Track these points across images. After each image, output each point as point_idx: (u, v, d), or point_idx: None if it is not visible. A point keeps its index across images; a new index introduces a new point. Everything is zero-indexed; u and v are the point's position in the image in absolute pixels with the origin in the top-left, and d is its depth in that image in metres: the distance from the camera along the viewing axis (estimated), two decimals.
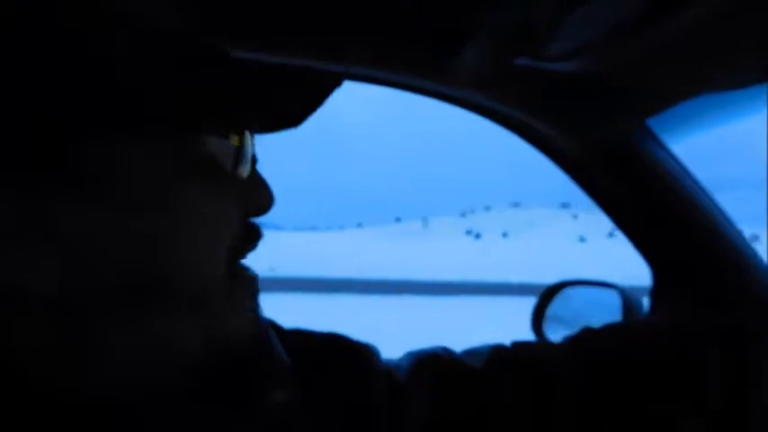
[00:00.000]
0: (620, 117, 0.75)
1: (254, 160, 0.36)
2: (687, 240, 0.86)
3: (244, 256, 0.35)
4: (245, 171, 0.35)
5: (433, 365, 0.50)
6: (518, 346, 0.53)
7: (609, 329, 0.51)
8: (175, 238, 0.30)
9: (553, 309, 1.14)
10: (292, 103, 0.34)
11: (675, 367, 0.46)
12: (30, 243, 0.28)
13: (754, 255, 0.87)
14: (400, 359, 0.52)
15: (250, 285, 0.36)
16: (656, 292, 0.94)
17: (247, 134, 0.35)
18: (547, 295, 1.15)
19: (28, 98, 0.27)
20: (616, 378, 0.47)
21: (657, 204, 0.83)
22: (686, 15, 0.56)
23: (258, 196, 0.36)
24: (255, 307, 0.36)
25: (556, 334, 1.12)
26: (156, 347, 0.30)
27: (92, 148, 0.28)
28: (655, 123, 0.79)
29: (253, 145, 0.36)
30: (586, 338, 0.51)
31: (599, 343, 0.50)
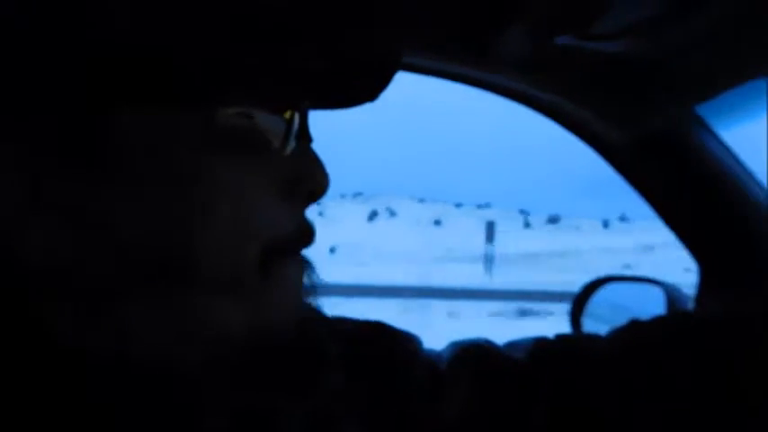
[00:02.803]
0: (668, 103, 0.72)
1: (307, 137, 0.34)
2: (736, 236, 0.83)
3: (294, 246, 0.33)
4: (290, 148, 0.32)
5: (475, 356, 0.49)
6: (562, 338, 0.52)
7: (657, 321, 0.50)
8: (205, 215, 0.29)
9: (593, 305, 1.11)
10: (345, 82, 0.32)
11: (729, 357, 0.44)
12: (47, 217, 0.27)
13: None
14: (442, 349, 0.52)
15: (296, 271, 0.34)
16: (702, 289, 0.90)
17: (297, 110, 0.33)
18: (587, 291, 1.13)
19: (47, 71, 0.26)
20: (666, 370, 0.45)
21: (706, 197, 0.80)
22: None
23: (312, 177, 0.33)
24: (300, 294, 0.35)
25: (595, 330, 1.09)
26: (185, 329, 0.29)
27: (117, 120, 0.27)
28: (705, 110, 0.75)
29: (306, 121, 0.34)
30: (634, 330, 0.49)
31: (647, 334, 0.48)
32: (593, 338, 0.52)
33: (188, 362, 0.30)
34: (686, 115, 0.74)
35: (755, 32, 0.60)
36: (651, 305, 0.99)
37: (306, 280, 0.35)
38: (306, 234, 0.34)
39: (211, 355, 0.30)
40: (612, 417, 0.45)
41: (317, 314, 0.43)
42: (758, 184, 0.80)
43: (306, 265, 0.35)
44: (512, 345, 0.52)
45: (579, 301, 1.13)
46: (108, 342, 0.29)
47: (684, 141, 0.76)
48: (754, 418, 0.43)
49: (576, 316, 1.13)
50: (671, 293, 0.97)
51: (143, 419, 0.29)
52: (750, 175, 0.80)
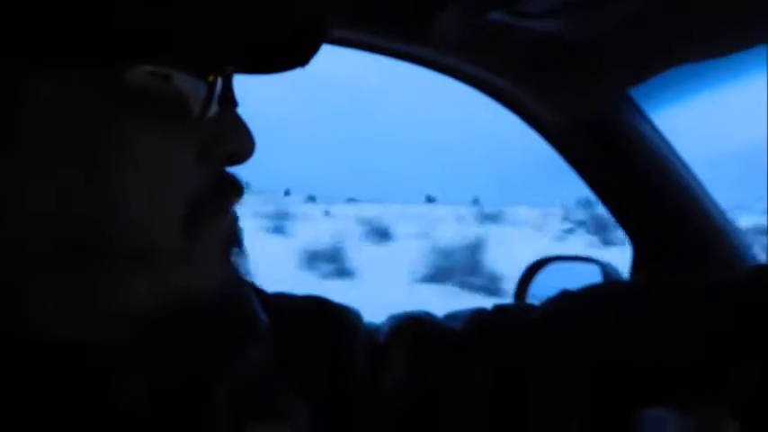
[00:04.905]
0: (602, 85, 0.75)
1: (232, 102, 0.33)
2: (667, 213, 0.87)
3: (219, 210, 0.33)
4: (212, 112, 0.31)
5: (413, 328, 0.50)
6: (498, 308, 0.54)
7: (587, 289, 0.52)
8: (115, 185, 0.27)
9: (536, 285, 1.15)
10: (269, 45, 0.32)
11: (655, 317, 0.46)
12: None
13: (733, 227, 0.89)
14: (381, 323, 0.52)
15: (221, 241, 0.33)
16: (635, 264, 0.95)
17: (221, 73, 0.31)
18: (530, 272, 1.16)
19: None
20: (596, 331, 0.47)
21: (637, 176, 0.84)
22: None
23: (233, 141, 0.32)
24: (226, 264, 0.34)
25: None
26: (99, 302, 0.29)
27: (20, 80, 0.26)
28: (637, 93, 0.79)
29: (230, 86, 0.33)
30: (565, 298, 0.51)
31: (578, 301, 0.51)
32: (528, 307, 0.54)
33: (100, 332, 0.29)
34: (618, 98, 0.78)
35: (685, 17, 0.63)
36: (590, 282, 1.04)
37: (234, 244, 0.34)
38: (228, 189, 0.33)
39: (126, 326, 0.30)
40: (547, 380, 0.47)
41: (251, 286, 0.43)
42: (683, 163, 0.85)
43: (234, 226, 0.34)
44: (450, 316, 0.53)
45: (523, 282, 1.17)
46: (16, 318, 0.28)
47: (616, 122, 0.79)
48: (683, 375, 0.46)
49: (520, 296, 1.17)
50: (607, 271, 1.01)
51: (52, 390, 0.28)
52: (676, 155, 0.85)
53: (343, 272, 9.65)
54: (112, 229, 0.28)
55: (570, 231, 13.53)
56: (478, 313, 0.52)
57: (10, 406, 0.27)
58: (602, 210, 0.86)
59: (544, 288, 1.16)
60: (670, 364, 0.45)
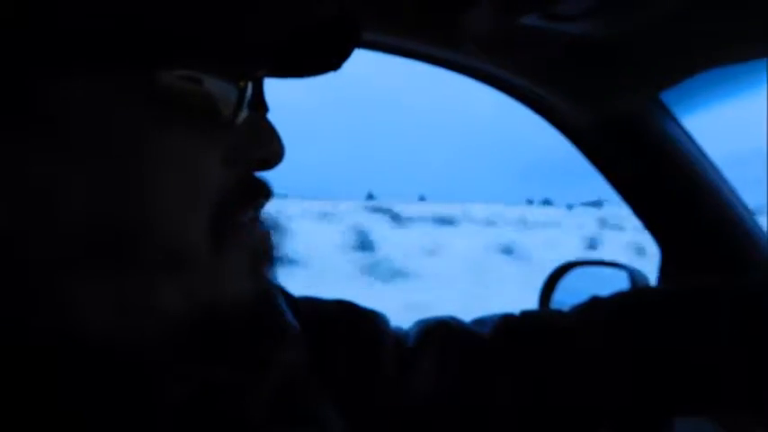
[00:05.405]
0: (633, 88, 0.73)
1: (263, 107, 0.33)
2: (696, 217, 0.85)
3: (246, 214, 0.33)
4: (242, 117, 0.31)
5: (441, 333, 0.50)
6: (526, 314, 0.53)
7: (618, 295, 0.51)
8: (146, 187, 0.28)
9: (561, 290, 1.13)
10: (301, 49, 0.32)
11: (687, 326, 0.46)
12: None
13: (762, 233, 0.87)
14: (409, 327, 0.52)
15: (251, 247, 0.33)
16: (663, 269, 0.93)
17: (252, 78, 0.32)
18: (555, 276, 1.15)
19: None
20: (626, 340, 0.47)
21: (666, 179, 0.82)
22: None
23: (262, 146, 0.32)
24: (256, 270, 0.33)
25: None
26: (128, 303, 0.28)
27: (54, 83, 0.26)
28: (667, 96, 0.78)
29: (261, 90, 0.33)
30: (595, 305, 0.51)
31: (608, 308, 0.50)
32: (556, 313, 0.53)
33: (130, 334, 0.29)
34: (649, 100, 0.76)
35: (717, 20, 0.62)
36: (616, 288, 1.02)
37: (267, 246, 0.34)
38: (255, 192, 0.33)
39: (155, 329, 0.29)
40: (575, 387, 0.47)
41: (280, 291, 0.43)
42: (714, 168, 0.83)
43: (267, 231, 0.34)
44: (479, 321, 0.53)
45: (548, 286, 1.15)
46: (50, 317, 0.28)
47: (647, 125, 0.78)
48: (707, 382, 0.45)
49: (545, 301, 1.15)
50: (635, 277, 0.99)
51: (86, 393, 0.28)
52: (707, 159, 0.83)
53: None
54: (142, 230, 0.28)
55: None
56: (506, 319, 0.52)
57: (34, 405, 0.27)
58: None
59: (569, 292, 1.14)
60: (701, 373, 0.45)
